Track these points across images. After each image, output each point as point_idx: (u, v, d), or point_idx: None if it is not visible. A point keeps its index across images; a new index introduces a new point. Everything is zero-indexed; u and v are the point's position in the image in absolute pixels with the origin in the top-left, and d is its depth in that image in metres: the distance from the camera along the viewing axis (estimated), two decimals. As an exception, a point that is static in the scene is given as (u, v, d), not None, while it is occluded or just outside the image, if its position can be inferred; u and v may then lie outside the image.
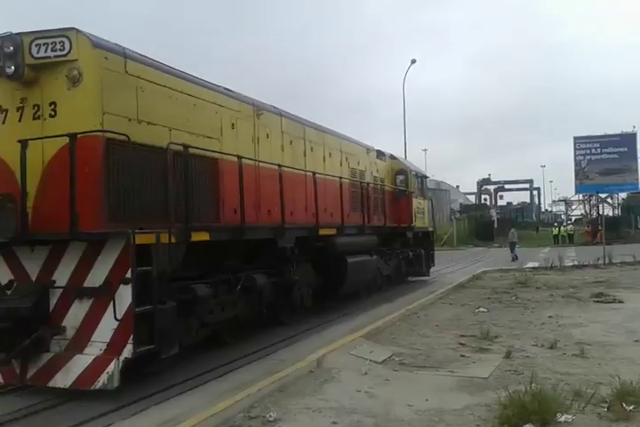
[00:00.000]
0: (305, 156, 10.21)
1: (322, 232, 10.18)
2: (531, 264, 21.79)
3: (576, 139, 47.44)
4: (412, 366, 6.66)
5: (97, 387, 5.44)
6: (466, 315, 10.32)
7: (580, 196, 52.84)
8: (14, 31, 6.05)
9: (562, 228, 46.60)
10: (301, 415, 4.96)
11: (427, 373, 6.34)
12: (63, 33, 5.91)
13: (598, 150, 46.66)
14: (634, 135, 46.02)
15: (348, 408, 5.12)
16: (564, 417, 4.55)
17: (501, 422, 4.47)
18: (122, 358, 5.45)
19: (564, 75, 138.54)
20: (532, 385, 4.89)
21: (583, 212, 61.14)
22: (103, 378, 5.42)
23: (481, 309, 10.81)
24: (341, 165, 11.79)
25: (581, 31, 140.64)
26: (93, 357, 5.58)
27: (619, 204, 52.91)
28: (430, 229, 17.67)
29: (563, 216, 71.17)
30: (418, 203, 16.24)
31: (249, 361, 7.00)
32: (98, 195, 5.78)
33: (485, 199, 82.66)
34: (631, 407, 4.73)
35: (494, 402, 5.01)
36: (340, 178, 11.20)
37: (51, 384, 5.67)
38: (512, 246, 27.09)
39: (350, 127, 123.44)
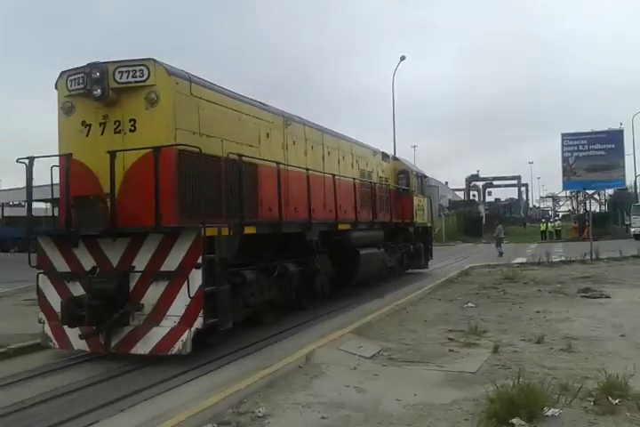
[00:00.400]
0: (323, 159, 11.49)
1: (340, 227, 11.54)
2: (518, 260, 21.90)
3: (564, 135, 47.69)
4: (401, 361, 6.68)
5: (173, 352, 6.69)
6: (454, 310, 10.37)
7: (568, 192, 53.22)
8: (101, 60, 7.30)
9: (549, 224, 46.90)
10: (290, 411, 4.96)
11: (415, 367, 6.37)
12: (143, 62, 7.22)
13: (586, 147, 46.93)
14: (621, 132, 46.39)
15: (336, 403, 5.13)
16: (551, 411, 4.59)
17: (489, 416, 4.49)
18: (193, 328, 6.71)
19: (552, 71, 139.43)
20: (520, 380, 4.91)
21: (570, 208, 61.68)
22: (178, 345, 6.67)
23: (469, 304, 10.87)
24: (352, 166, 13.05)
25: (571, 28, 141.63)
26: (169, 328, 6.78)
27: (605, 200, 53.41)
28: (429, 224, 19.05)
29: (550, 212, 71.64)
30: (418, 200, 17.44)
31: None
32: (173, 196, 7.03)
33: (474, 195, 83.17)
34: (617, 401, 4.78)
35: (482, 396, 5.04)
36: (354, 179, 12.57)
37: (132, 351, 6.91)
38: (498, 242, 27.43)
39: (340, 123, 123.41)
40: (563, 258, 21.44)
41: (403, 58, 37.04)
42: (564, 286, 13.35)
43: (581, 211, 50.81)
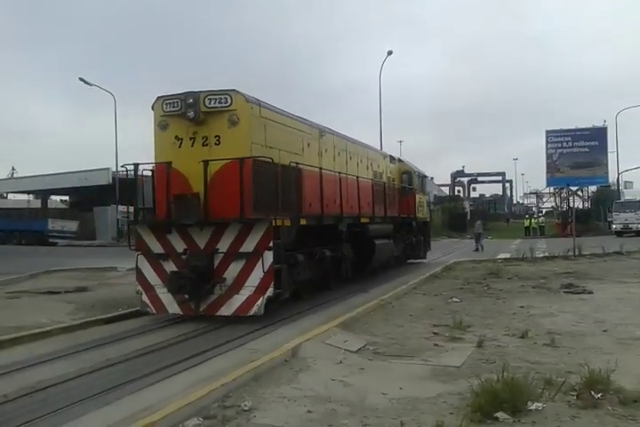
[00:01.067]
0: (346, 163, 13.45)
1: (362, 220, 13.66)
2: (502, 255, 22.08)
3: (548, 132, 48.11)
4: (387, 355, 6.72)
5: (250, 314, 8.76)
6: (439, 305, 10.44)
7: (551, 189, 53.65)
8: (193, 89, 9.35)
9: (533, 220, 47.30)
10: (276, 404, 4.96)
11: (401, 362, 6.40)
12: (227, 92, 9.26)
13: (570, 144, 47.38)
14: (604, 129, 46.83)
15: (323, 397, 5.14)
16: (534, 405, 4.64)
17: (474, 410, 4.53)
18: (266, 296, 8.80)
19: (538, 68, 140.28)
20: (504, 374, 4.95)
21: (554, 204, 62.19)
22: (254, 309, 8.75)
23: (454, 299, 10.94)
24: (368, 168, 15.10)
25: (557, 25, 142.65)
26: (247, 295, 8.85)
27: (588, 197, 53.93)
28: (428, 219, 21.40)
29: (534, 209, 72.19)
30: (419, 198, 19.63)
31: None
32: (250, 195, 8.93)
33: (459, 191, 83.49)
34: (599, 395, 4.84)
35: (467, 390, 5.09)
36: (370, 179, 14.78)
37: (217, 314, 8.98)
38: (478, 237, 28.19)
39: (328, 116, 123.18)
40: (546, 254, 21.65)
41: (390, 52, 37.10)
42: (547, 281, 13.48)
43: (564, 207, 51.27)
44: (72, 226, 43.75)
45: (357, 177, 13.48)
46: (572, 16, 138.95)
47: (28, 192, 57.36)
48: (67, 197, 62.46)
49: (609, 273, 14.88)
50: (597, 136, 46.85)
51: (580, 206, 51.35)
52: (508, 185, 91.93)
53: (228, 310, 8.90)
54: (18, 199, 63.89)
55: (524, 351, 6.71)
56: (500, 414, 4.45)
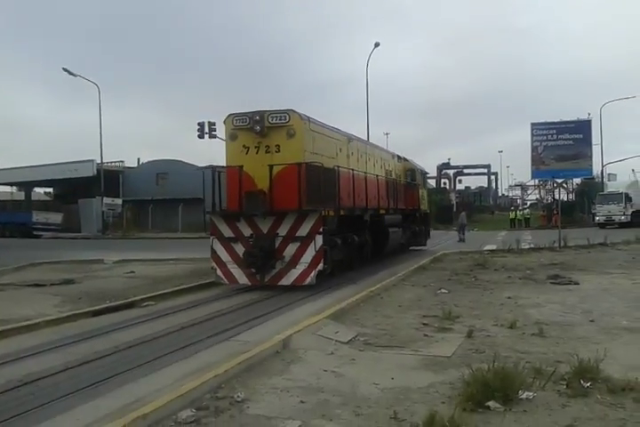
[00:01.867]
0: (366, 164, 15.87)
1: (380, 212, 16.25)
2: (489, 247, 22.23)
3: (533, 125, 48.23)
4: (377, 345, 6.74)
5: (305, 284, 11.41)
6: (428, 296, 10.49)
7: (536, 181, 54.01)
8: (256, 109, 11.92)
9: (518, 212, 47.62)
10: (269, 395, 4.96)
11: (391, 352, 6.43)
12: (286, 112, 11.81)
13: (554, 136, 47.54)
14: (589, 122, 47.09)
15: (315, 387, 5.15)
16: (525, 394, 4.69)
17: (466, 399, 4.57)
18: (317, 269, 11.40)
19: (523, 61, 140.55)
20: (495, 363, 4.98)
21: (538, 196, 62.70)
22: (308, 279, 11.42)
23: (442, 290, 11.00)
24: (382, 168, 17.60)
25: (542, 18, 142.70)
26: (302, 269, 11.45)
27: (573, 189, 54.40)
28: (428, 211, 24.41)
29: (519, 201, 72.72)
30: (422, 192, 22.60)
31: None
32: (305, 191, 11.48)
33: (445, 183, 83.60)
34: (588, 384, 4.91)
35: (458, 380, 5.12)
36: (385, 177, 17.41)
37: (278, 284, 11.58)
38: (462, 228, 29.09)
39: (316, 108, 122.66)
40: (532, 245, 21.82)
41: (377, 44, 37.01)
42: (533, 272, 13.61)
43: (549, 199, 51.68)
44: (56, 218, 43.37)
45: (377, 176, 16.29)
46: (557, 9, 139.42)
47: (12, 184, 56.71)
48: (51, 189, 61.85)
49: (594, 264, 15.05)
50: (582, 129, 47.09)
51: (565, 199, 51.84)
52: (493, 177, 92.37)
53: (287, 280, 11.55)
54: (1, 191, 63.17)
55: (513, 341, 6.77)
56: (491, 404, 4.49)
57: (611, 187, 43.28)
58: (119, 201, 43.09)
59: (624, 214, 37.82)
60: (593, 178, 50.28)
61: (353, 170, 14.13)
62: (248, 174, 11.75)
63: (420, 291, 11.17)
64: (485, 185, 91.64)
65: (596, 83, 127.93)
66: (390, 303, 9.74)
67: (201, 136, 35.95)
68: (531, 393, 4.72)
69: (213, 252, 12.05)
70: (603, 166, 47.91)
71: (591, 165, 47.55)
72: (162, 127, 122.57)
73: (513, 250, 19.79)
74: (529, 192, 68.02)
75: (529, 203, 67.13)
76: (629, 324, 7.59)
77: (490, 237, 31.32)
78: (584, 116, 48.06)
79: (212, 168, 12.45)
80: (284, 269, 11.50)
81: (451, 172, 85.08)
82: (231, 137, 12.18)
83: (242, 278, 11.79)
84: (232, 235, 11.91)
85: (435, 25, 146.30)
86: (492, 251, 20.23)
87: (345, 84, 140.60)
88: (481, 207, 72.39)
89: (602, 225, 37.61)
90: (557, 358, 5.83)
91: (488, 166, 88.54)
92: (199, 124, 36.36)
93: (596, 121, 46.97)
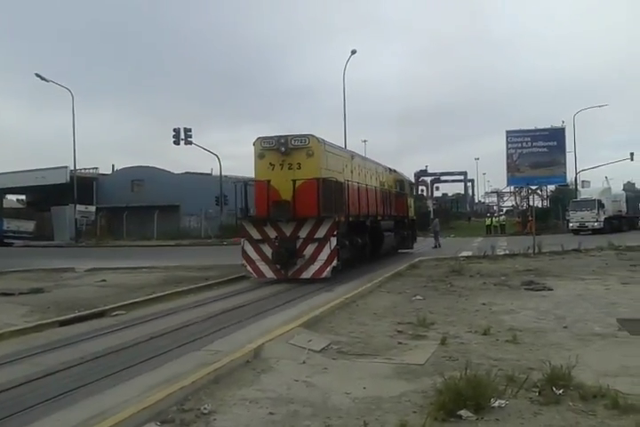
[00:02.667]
0: (365, 177, 18.49)
1: (378, 218, 19.16)
2: (464, 253, 22.31)
3: (508, 133, 48.91)
4: (351, 354, 6.65)
5: (322, 277, 13.82)
6: (403, 303, 10.45)
7: (512, 188, 54.62)
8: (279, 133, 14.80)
9: (494, 219, 48.04)
10: (237, 407, 4.83)
11: (365, 360, 6.34)
12: (306, 136, 14.45)
13: (529, 144, 48.27)
14: (563, 130, 47.87)
15: (285, 398, 5.04)
16: (497, 402, 4.63)
17: (437, 408, 4.49)
18: (332, 265, 13.91)
19: (499, 70, 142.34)
20: (467, 371, 4.92)
21: (514, 203, 63.33)
22: (325, 273, 13.88)
23: (417, 296, 10.96)
24: (377, 180, 20.17)
25: (516, 30, 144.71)
26: (319, 265, 13.87)
27: (547, 196, 55.11)
28: (414, 217, 26.87)
29: (495, 207, 73.40)
30: (409, 201, 25.47)
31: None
32: (321, 201, 13.94)
33: (422, 190, 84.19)
34: (561, 391, 4.87)
35: (430, 388, 5.06)
36: (380, 188, 20.10)
37: (300, 277, 13.94)
38: (436, 235, 29.72)
39: (294, 115, 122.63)
40: (507, 252, 21.98)
41: (354, 52, 37.23)
42: (508, 278, 13.63)
43: (524, 206, 52.24)
44: (28, 226, 42.60)
45: (374, 187, 19.12)
46: (530, 21, 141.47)
47: (-17, 191, 55.52)
48: (23, 197, 60.76)
49: (568, 270, 15.14)
50: (556, 136, 47.88)
51: (540, 205, 52.46)
52: (470, 184, 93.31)
53: (307, 274, 13.96)
54: (-29, 199, 61.85)
55: (487, 348, 6.73)
56: (463, 412, 4.43)
57: (584, 194, 43.88)
58: (93, 208, 42.52)
59: (597, 221, 38.38)
60: (567, 185, 51.02)
61: (358, 183, 16.93)
62: (274, 187, 14.20)
63: (396, 298, 11.12)
64: (462, 192, 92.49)
65: (569, 92, 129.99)
66: (365, 310, 9.67)
67: (177, 142, 35.72)
68: (503, 401, 4.67)
69: (244, 251, 14.44)
70: (576, 173, 48.65)
71: (565, 172, 48.33)
72: (137, 133, 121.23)
73: (488, 256, 19.87)
74: (505, 199, 68.71)
75: (505, 209, 67.78)
76: (602, 330, 7.61)
77: (466, 243, 31.50)
78: (558, 125, 48.83)
79: (244, 182, 15.47)
80: (305, 265, 13.95)
81: (428, 179, 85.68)
82: (259, 156, 14.62)
83: (269, 273, 14.19)
84: (260, 237, 14.30)
85: (412, 33, 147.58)
86: (467, 257, 20.29)
87: (323, 90, 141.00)
88: (458, 214, 73.03)
89: (575, 231, 38.12)
90: (530, 365, 5.80)
91: (465, 173, 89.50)
92: (175, 130, 36.15)
93: (570, 129, 47.75)
